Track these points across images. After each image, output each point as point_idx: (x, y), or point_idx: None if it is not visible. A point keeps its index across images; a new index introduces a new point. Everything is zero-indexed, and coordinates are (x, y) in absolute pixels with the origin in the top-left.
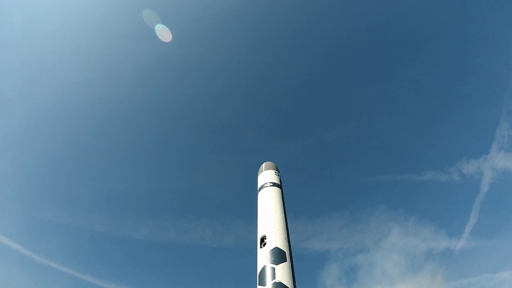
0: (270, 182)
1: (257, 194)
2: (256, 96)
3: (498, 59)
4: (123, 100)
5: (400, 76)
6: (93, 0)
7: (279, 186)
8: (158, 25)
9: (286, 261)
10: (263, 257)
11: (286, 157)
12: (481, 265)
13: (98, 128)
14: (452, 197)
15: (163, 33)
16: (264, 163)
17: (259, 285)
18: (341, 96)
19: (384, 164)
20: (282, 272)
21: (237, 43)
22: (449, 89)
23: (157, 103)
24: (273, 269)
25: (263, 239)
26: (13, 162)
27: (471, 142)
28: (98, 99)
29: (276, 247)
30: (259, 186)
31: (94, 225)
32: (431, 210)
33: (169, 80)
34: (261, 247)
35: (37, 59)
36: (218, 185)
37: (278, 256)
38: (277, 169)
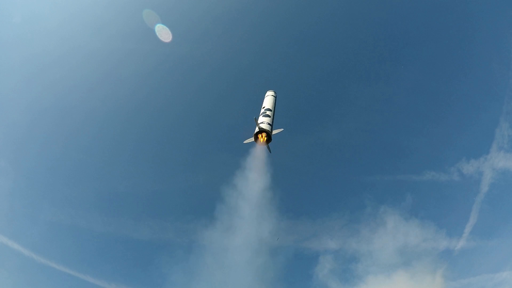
0: (271, 94)
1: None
2: (256, 95)
3: (498, 59)
4: (124, 99)
5: (400, 76)
6: (93, 0)
7: (275, 97)
8: (158, 25)
9: (272, 111)
10: (263, 112)
11: (286, 157)
12: (481, 265)
13: (98, 128)
14: (452, 197)
15: (163, 33)
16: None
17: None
18: (341, 96)
19: (384, 164)
20: (269, 112)
21: (237, 43)
22: (449, 89)
23: (158, 103)
24: (266, 113)
25: (263, 107)
26: (14, 162)
27: (471, 142)
28: (98, 98)
29: (269, 108)
30: (265, 95)
31: (94, 225)
32: (431, 210)
33: (169, 79)
34: (262, 110)
35: (38, 59)
36: (218, 184)
37: (269, 111)
38: (275, 92)
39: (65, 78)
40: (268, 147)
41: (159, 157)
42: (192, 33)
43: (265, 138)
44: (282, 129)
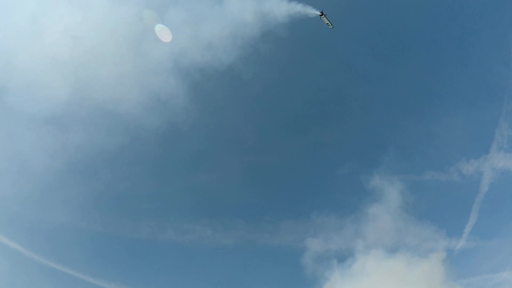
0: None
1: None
2: (256, 95)
3: (498, 59)
4: (123, 99)
5: (399, 76)
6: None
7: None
8: (158, 25)
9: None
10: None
11: (286, 157)
12: (481, 265)
13: (98, 127)
14: (452, 197)
15: (163, 33)
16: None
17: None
18: (341, 96)
19: (384, 164)
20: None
21: (237, 43)
22: (449, 89)
23: (157, 104)
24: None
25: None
26: (13, 162)
27: (471, 142)
28: (97, 98)
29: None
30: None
31: (94, 225)
32: (431, 210)
33: (170, 79)
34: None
35: (38, 59)
36: (218, 185)
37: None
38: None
39: (64, 78)
40: (320, 18)
41: (160, 156)
42: (192, 33)
43: (321, 14)
44: (332, 26)
